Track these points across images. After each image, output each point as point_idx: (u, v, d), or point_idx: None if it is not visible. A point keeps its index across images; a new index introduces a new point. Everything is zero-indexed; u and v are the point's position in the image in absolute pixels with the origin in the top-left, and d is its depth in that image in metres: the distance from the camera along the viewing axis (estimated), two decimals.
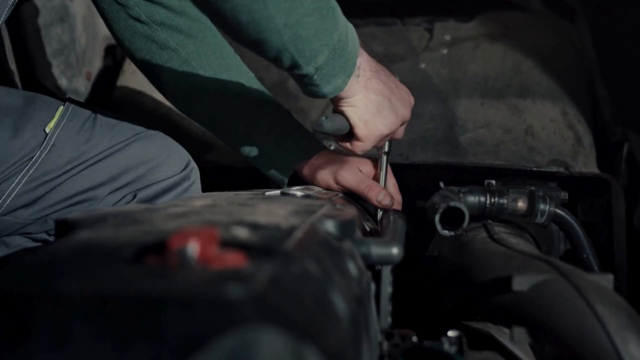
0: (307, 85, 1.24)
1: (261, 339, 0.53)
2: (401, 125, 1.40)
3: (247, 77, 1.59)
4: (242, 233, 0.75)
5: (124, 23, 1.54)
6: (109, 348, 0.53)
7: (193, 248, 0.61)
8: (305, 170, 1.53)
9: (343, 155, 1.54)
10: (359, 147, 1.38)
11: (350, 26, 1.24)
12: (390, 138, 1.43)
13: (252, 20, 1.07)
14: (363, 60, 1.30)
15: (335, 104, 1.34)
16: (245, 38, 1.11)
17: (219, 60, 1.56)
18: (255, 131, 1.54)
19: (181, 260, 0.61)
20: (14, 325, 0.56)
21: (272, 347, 0.53)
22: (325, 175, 1.50)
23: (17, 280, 0.61)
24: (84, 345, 0.53)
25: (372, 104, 1.33)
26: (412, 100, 1.42)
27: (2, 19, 1.37)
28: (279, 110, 1.57)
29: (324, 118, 1.33)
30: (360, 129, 1.35)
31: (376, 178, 1.51)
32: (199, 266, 0.61)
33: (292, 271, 0.67)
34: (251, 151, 1.55)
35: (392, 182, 1.54)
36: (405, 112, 1.39)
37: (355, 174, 1.48)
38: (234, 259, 0.63)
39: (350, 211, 1.04)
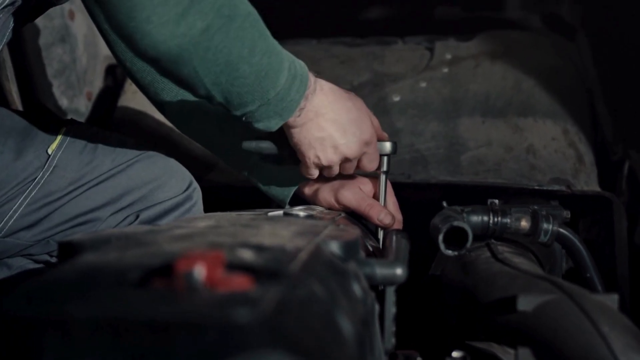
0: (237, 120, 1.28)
1: None
2: (348, 160, 1.40)
3: None
4: (247, 255, 0.75)
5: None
6: None
7: (199, 271, 0.61)
8: (307, 190, 1.53)
9: (343, 175, 1.54)
10: (304, 171, 1.41)
11: (301, 70, 1.28)
12: (357, 167, 1.44)
13: (179, 76, 1.17)
14: (314, 101, 1.31)
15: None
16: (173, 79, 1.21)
17: None
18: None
19: (188, 284, 0.61)
20: (22, 348, 0.56)
21: None
22: (326, 194, 1.50)
23: (24, 303, 0.61)
24: None
25: (306, 139, 1.34)
26: (365, 135, 1.39)
27: (3, 41, 1.37)
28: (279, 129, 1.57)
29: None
30: (299, 154, 1.37)
31: (376, 197, 1.51)
32: (206, 289, 0.61)
33: (299, 294, 0.67)
34: (252, 171, 1.55)
35: (392, 200, 1.53)
36: (352, 149, 1.37)
37: (356, 193, 1.48)
38: (241, 282, 0.63)
39: (354, 232, 1.04)
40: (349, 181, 1.51)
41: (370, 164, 1.43)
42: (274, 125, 1.27)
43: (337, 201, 1.49)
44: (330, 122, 1.33)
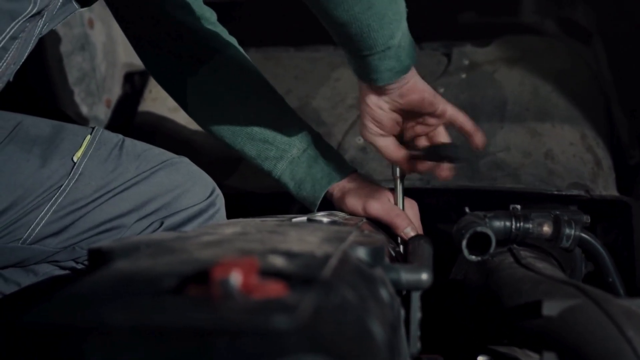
0: (391, 60, 1.32)
1: None
2: None
3: (277, 101, 1.61)
4: (279, 262, 0.76)
5: (154, 51, 1.57)
6: None
7: (236, 278, 0.62)
8: (336, 193, 1.55)
9: (373, 182, 1.56)
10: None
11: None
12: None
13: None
14: None
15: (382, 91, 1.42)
16: (355, 4, 1.21)
17: (249, 84, 1.58)
18: (286, 154, 1.56)
19: (224, 291, 0.62)
20: (61, 357, 0.57)
21: None
22: (355, 201, 1.52)
23: (63, 312, 0.62)
24: None
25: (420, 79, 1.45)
26: None
27: (28, 50, 1.39)
28: (310, 132, 1.59)
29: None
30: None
31: (395, 204, 1.52)
32: (242, 296, 0.62)
33: (332, 300, 0.68)
34: (282, 174, 1.57)
35: (410, 207, 1.55)
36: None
37: (384, 204, 1.51)
38: (275, 289, 0.63)
39: (379, 238, 1.05)
40: (377, 192, 1.53)
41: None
42: (413, 53, 1.37)
43: (365, 210, 1.51)
44: None
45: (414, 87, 1.41)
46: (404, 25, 1.30)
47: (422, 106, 1.44)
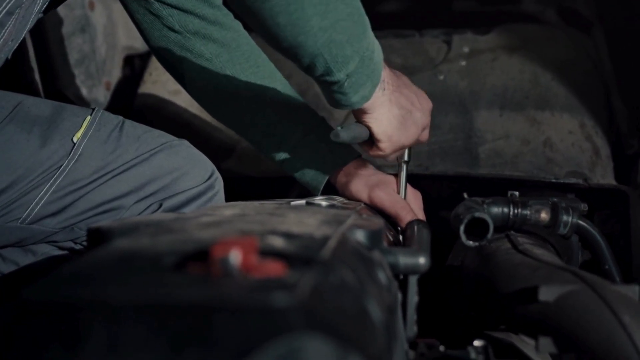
0: (336, 94, 1.26)
1: (308, 345, 0.55)
2: (422, 131, 1.44)
3: (281, 84, 1.60)
4: (278, 242, 0.76)
5: (159, 33, 1.56)
6: (159, 356, 0.54)
7: (235, 257, 0.62)
8: (340, 178, 1.54)
9: (378, 169, 1.57)
10: (379, 155, 1.42)
11: (375, 38, 1.26)
12: (416, 143, 1.46)
13: (289, 22, 1.10)
14: (386, 74, 1.33)
15: (358, 117, 1.37)
16: (282, 41, 1.14)
17: (253, 68, 1.58)
18: (290, 138, 1.56)
19: (224, 269, 0.62)
20: (64, 334, 0.57)
21: (319, 353, 0.55)
22: (360, 188, 1.51)
23: (64, 290, 0.62)
24: (135, 353, 0.54)
25: (395, 119, 1.36)
26: (430, 104, 1.47)
27: (27, 28, 1.39)
28: (314, 117, 1.59)
29: (339, 128, 1.34)
30: (383, 143, 1.38)
31: (397, 190, 1.52)
32: (242, 275, 0.62)
33: (331, 280, 0.68)
34: (286, 158, 1.57)
35: (414, 196, 1.55)
36: (425, 121, 1.45)
37: (390, 195, 1.50)
38: (275, 268, 0.64)
39: (378, 221, 1.06)
40: (384, 180, 1.53)
41: (427, 135, 1.51)
42: (368, 93, 1.28)
43: (370, 198, 1.51)
44: (405, 98, 1.38)
45: (379, 128, 1.38)
46: (355, 65, 1.22)
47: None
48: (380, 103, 1.33)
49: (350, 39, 1.18)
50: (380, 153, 1.41)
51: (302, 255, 0.70)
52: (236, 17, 1.63)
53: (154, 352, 0.54)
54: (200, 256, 0.67)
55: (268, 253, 0.69)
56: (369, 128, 1.37)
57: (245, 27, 1.64)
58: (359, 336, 0.63)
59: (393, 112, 1.36)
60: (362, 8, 1.19)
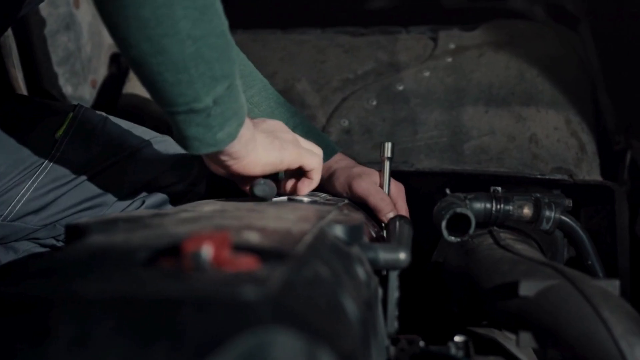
0: (198, 129, 1.07)
1: (276, 340, 0.54)
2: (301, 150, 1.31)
3: (262, 83, 1.60)
4: (253, 237, 0.76)
5: None
6: (127, 350, 0.53)
7: (207, 251, 0.62)
8: (323, 174, 1.53)
9: (359, 164, 1.56)
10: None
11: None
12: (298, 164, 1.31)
13: (154, 16, 0.94)
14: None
15: (218, 163, 1.21)
16: (142, 41, 0.96)
17: None
18: None
19: (195, 263, 0.62)
20: (33, 327, 0.57)
21: (287, 348, 0.54)
22: (340, 180, 1.50)
23: (35, 284, 0.62)
24: (103, 347, 0.54)
25: (270, 144, 1.23)
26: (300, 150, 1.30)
27: (8, 23, 1.38)
28: (294, 115, 1.58)
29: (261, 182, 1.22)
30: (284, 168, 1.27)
31: (381, 185, 1.52)
32: (213, 269, 0.62)
33: (304, 274, 0.68)
34: None
35: (397, 189, 1.54)
36: (296, 141, 1.30)
37: (370, 185, 1.49)
38: (247, 262, 0.64)
39: (358, 217, 1.05)
40: (366, 172, 1.52)
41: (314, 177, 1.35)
42: (234, 131, 1.11)
43: (351, 189, 1.49)
44: (266, 127, 1.26)
45: (252, 163, 1.19)
46: (223, 91, 1.05)
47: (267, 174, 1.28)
48: (247, 139, 1.16)
49: (221, 59, 1.03)
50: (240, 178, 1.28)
51: (276, 249, 0.70)
52: None
53: (121, 346, 0.53)
54: (173, 251, 0.66)
55: (242, 248, 0.69)
56: (237, 174, 1.23)
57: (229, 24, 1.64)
58: (331, 331, 0.63)
59: (264, 140, 1.22)
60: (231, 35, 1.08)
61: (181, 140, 1.10)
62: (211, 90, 1.03)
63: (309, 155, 1.30)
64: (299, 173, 1.32)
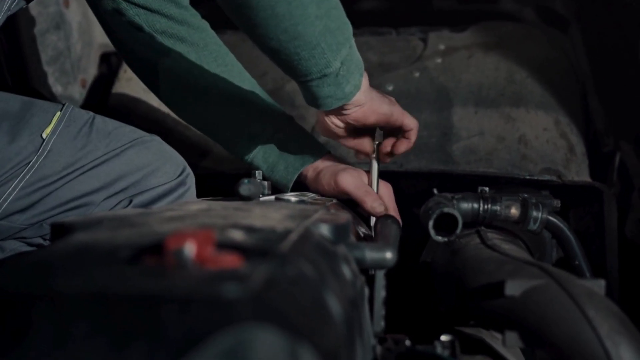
0: (330, 88, 1.28)
1: (257, 337, 0.54)
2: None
3: (249, 84, 1.60)
4: (237, 235, 0.76)
5: (126, 33, 1.56)
6: (107, 346, 0.53)
7: (190, 249, 0.62)
8: (310, 174, 1.54)
9: (346, 162, 1.56)
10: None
11: None
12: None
13: (288, 10, 1.11)
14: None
15: (342, 115, 1.41)
16: (280, 34, 1.15)
17: (221, 68, 1.58)
18: (259, 137, 1.55)
19: (178, 261, 0.62)
20: (13, 324, 0.57)
21: (268, 345, 0.54)
22: (327, 177, 1.50)
23: (15, 280, 0.62)
24: (83, 343, 0.54)
25: (377, 94, 1.42)
26: None
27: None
28: (282, 115, 1.59)
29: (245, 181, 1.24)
30: (395, 109, 1.45)
31: (369, 184, 1.52)
32: (196, 266, 0.62)
33: (287, 272, 0.68)
34: (255, 157, 1.56)
35: (387, 192, 1.54)
36: (398, 109, 1.47)
37: (356, 178, 1.49)
38: (230, 260, 0.64)
39: (344, 216, 1.05)
40: (351, 169, 1.52)
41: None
42: (358, 82, 1.32)
43: (336, 183, 1.49)
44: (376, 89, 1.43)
45: (369, 110, 1.40)
46: (346, 52, 1.26)
47: (379, 126, 1.48)
48: (366, 88, 1.37)
49: (340, 26, 1.22)
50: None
51: (259, 248, 0.70)
52: (204, 17, 1.62)
53: (100, 344, 0.53)
54: (157, 248, 0.66)
55: (225, 246, 0.68)
56: (349, 117, 1.41)
57: (218, 24, 1.64)
58: (313, 329, 0.63)
59: (377, 94, 1.42)
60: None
61: (314, 100, 1.33)
62: (338, 55, 1.23)
63: (409, 115, 1.48)
64: (396, 134, 1.51)
